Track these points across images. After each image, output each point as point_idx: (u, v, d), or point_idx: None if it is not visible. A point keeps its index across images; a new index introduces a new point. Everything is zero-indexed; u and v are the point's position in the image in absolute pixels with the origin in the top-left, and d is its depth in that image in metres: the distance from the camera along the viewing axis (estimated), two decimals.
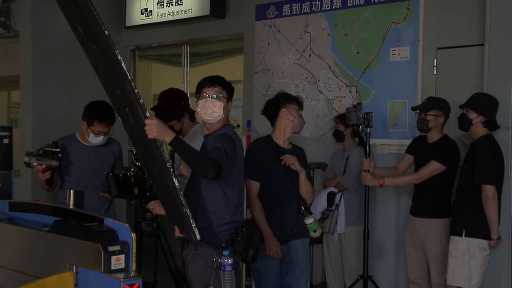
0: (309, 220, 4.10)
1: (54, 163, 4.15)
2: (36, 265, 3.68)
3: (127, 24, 7.56)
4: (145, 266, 4.28)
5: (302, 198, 4.14)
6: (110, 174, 3.88)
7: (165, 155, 3.07)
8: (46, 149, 4.22)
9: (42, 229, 3.68)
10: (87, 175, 4.37)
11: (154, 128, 3.02)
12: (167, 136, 3.11)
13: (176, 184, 3.11)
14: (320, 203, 5.25)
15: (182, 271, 4.35)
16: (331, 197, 5.27)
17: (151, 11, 7.31)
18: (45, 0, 7.13)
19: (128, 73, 2.92)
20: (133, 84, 2.92)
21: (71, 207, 3.85)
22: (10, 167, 4.72)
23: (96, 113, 4.34)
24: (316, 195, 5.17)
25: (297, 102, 4.25)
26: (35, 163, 4.17)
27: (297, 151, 4.27)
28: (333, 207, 5.24)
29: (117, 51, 2.85)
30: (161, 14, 7.19)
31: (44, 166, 4.17)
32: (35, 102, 7.29)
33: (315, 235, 4.20)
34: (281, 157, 4.05)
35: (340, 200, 5.24)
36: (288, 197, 4.12)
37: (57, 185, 4.52)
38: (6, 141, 4.71)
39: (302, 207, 4.13)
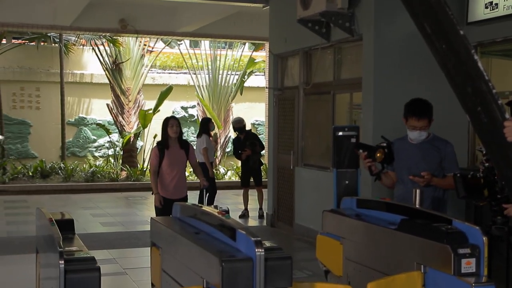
0: None
1: (376, 152, 4.60)
2: (382, 262, 3.77)
3: (470, 20, 7.31)
4: (495, 273, 4.07)
5: None
6: (458, 174, 3.79)
7: None
8: (378, 144, 4.75)
9: (389, 227, 3.76)
10: (406, 170, 4.60)
11: None
12: None
13: None
14: None
15: None
16: None
17: (496, 4, 6.95)
18: (388, 2, 7.29)
19: (485, 73, 2.81)
20: (490, 84, 2.80)
21: (417, 206, 3.87)
22: (357, 165, 4.95)
23: (408, 108, 4.67)
24: None
25: None
26: (361, 150, 4.73)
27: None
28: None
29: (473, 51, 2.79)
30: (508, 6, 6.79)
31: (366, 153, 4.66)
32: (375, 103, 7.52)
33: None
34: None
35: None
36: None
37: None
38: (353, 140, 4.95)
39: None
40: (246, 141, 11.05)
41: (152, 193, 6.97)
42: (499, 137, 2.90)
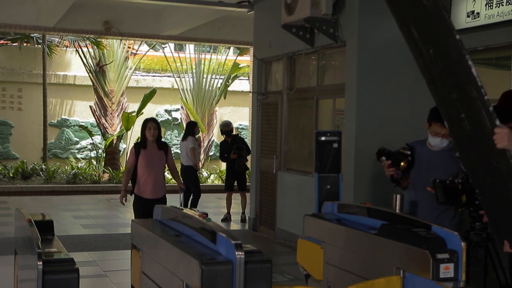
0: None
1: (401, 161, 4.32)
2: (362, 266, 3.79)
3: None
4: (473, 279, 4.11)
5: None
6: (437, 180, 3.82)
7: None
8: (400, 150, 4.43)
9: (369, 232, 3.78)
10: (420, 177, 4.41)
11: (505, 137, 2.86)
12: None
13: None
14: None
15: None
16: None
17: (478, 13, 7.03)
18: (372, 9, 7.35)
19: (478, 79, 2.82)
20: (483, 90, 2.81)
21: (397, 211, 3.89)
22: (338, 170, 4.96)
23: (433, 113, 4.44)
24: None
25: None
26: (383, 158, 4.41)
27: None
28: None
29: (467, 56, 2.79)
30: (489, 15, 6.86)
31: (390, 162, 4.36)
32: (358, 108, 7.56)
33: None
34: None
35: None
36: None
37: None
38: (335, 145, 4.97)
39: None
40: (233, 144, 11.07)
41: (131, 194, 6.97)
42: (483, 144, 2.91)
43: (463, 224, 4.38)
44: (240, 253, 2.95)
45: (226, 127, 11.44)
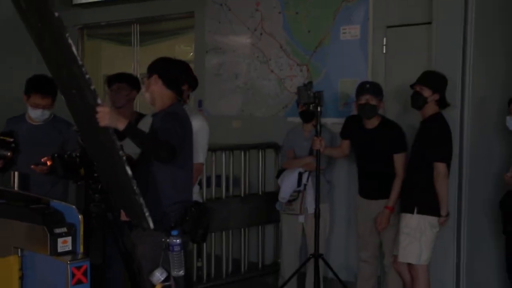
0: None
1: (7, 153, 4.15)
2: None
3: (75, 1, 7.37)
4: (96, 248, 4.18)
5: None
6: (56, 155, 3.76)
7: (117, 142, 3.03)
8: (1, 138, 4.17)
9: None
10: (32, 154, 4.20)
11: (106, 116, 3.00)
12: (120, 124, 3.11)
13: (129, 172, 3.06)
14: (291, 183, 5.14)
15: (132, 253, 4.27)
16: (299, 177, 5.16)
17: None
18: None
19: (78, 58, 2.85)
20: (83, 69, 2.85)
21: (15, 189, 3.76)
22: None
23: (32, 84, 4.35)
24: (285, 176, 5.15)
25: None
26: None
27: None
28: (301, 187, 5.13)
29: (67, 34, 2.79)
30: None
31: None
32: None
33: None
34: None
35: (308, 180, 5.14)
36: None
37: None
38: None
39: None
40: None
41: None
42: (93, 121, 2.99)
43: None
44: None
45: None
